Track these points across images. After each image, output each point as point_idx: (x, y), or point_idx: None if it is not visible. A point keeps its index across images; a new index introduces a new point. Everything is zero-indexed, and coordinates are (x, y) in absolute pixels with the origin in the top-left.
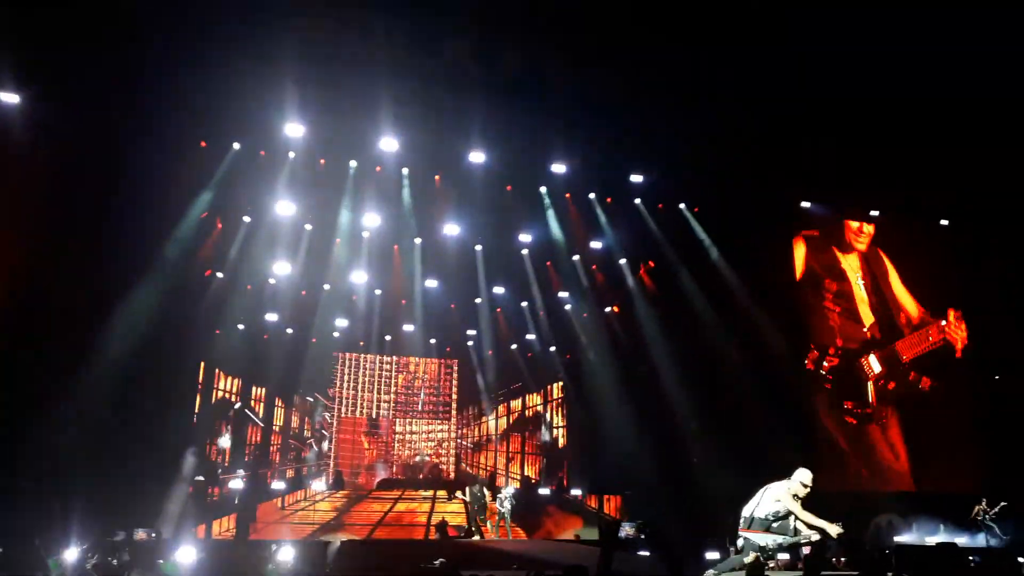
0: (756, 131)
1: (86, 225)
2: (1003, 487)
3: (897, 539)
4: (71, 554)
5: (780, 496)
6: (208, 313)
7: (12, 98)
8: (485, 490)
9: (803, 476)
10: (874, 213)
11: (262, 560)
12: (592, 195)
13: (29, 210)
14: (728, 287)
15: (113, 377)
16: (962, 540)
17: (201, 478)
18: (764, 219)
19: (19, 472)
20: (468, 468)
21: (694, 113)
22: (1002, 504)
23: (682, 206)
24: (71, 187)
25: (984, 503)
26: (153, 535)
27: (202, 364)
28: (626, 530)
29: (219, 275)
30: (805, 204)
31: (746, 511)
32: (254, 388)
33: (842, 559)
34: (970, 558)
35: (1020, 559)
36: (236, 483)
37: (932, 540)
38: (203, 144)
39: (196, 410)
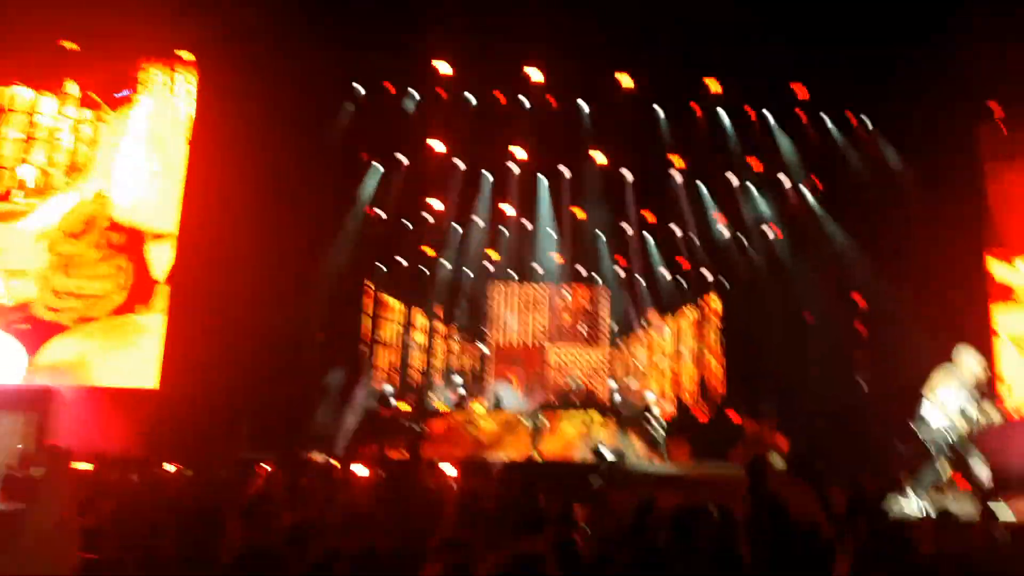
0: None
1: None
2: None
3: None
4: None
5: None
6: (369, 248)
7: None
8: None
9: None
10: None
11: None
12: (748, 107)
13: None
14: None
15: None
16: None
17: (373, 401)
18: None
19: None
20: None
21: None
22: None
23: (848, 114)
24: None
25: None
26: (329, 459)
27: (369, 285)
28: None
29: (381, 213)
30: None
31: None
32: (417, 316)
33: None
34: None
35: None
36: (404, 406)
37: None
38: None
39: (363, 335)
